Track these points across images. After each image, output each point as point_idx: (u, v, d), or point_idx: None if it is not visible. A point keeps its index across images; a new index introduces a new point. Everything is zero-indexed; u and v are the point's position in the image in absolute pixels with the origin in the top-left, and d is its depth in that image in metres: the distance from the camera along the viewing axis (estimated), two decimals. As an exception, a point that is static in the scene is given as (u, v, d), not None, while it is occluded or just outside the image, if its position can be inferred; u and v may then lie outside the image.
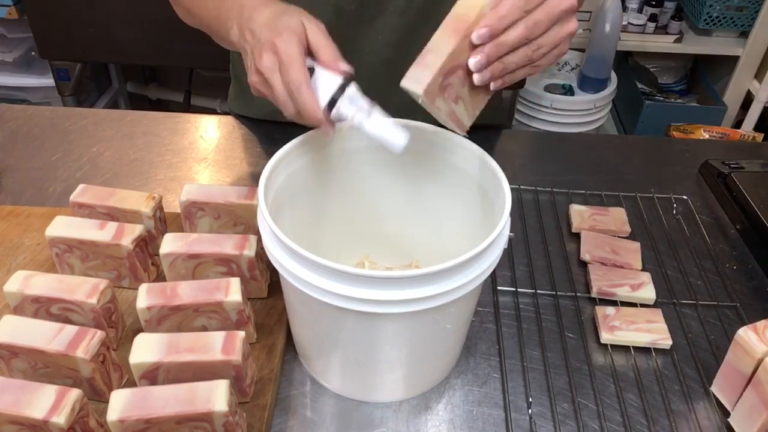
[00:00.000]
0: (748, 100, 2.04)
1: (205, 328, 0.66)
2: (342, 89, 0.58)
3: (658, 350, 0.72)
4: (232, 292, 0.64)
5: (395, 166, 0.71)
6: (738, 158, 0.99)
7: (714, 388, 0.68)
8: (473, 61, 0.57)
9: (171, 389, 0.55)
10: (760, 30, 1.93)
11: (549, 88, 1.96)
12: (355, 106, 0.58)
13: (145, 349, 0.58)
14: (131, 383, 0.62)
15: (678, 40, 2.01)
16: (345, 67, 0.58)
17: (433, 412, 0.66)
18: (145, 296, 0.63)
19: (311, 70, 0.58)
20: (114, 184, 0.93)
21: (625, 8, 2.00)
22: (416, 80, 0.55)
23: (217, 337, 0.59)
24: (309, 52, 0.59)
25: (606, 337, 0.72)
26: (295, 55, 0.57)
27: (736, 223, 0.91)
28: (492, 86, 0.59)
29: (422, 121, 0.67)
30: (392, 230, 0.76)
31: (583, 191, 0.95)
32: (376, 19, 0.84)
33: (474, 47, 0.56)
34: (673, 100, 2.15)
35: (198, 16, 0.76)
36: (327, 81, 0.58)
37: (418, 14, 0.83)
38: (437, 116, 0.59)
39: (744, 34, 2.00)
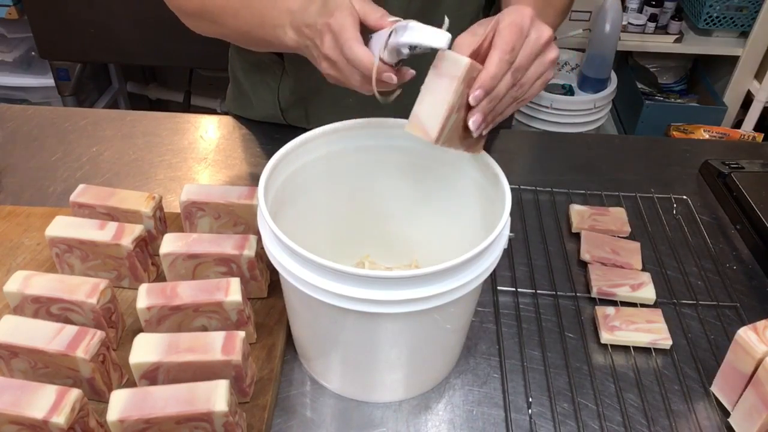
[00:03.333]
0: (748, 100, 2.04)
1: (205, 328, 0.66)
2: (390, 36, 0.57)
3: (658, 350, 0.72)
4: (232, 292, 0.64)
5: (395, 166, 0.71)
6: (738, 158, 0.99)
7: (714, 388, 0.68)
8: (472, 122, 0.58)
9: (171, 389, 0.55)
10: (760, 30, 1.93)
11: (549, 88, 1.95)
12: (399, 31, 0.57)
13: (145, 349, 0.58)
14: (131, 383, 0.62)
15: (678, 40, 2.01)
16: (391, 19, 0.58)
17: (433, 412, 0.66)
18: (145, 296, 0.63)
19: (369, 41, 0.59)
20: (114, 184, 0.93)
21: (625, 8, 2.00)
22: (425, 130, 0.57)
23: (217, 337, 0.59)
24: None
25: (606, 337, 0.72)
26: (346, 23, 0.58)
27: (736, 223, 0.91)
28: (484, 132, 0.60)
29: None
30: (392, 230, 0.76)
31: (583, 191, 0.95)
32: None
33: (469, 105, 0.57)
34: (673, 100, 2.15)
35: (227, 27, 0.77)
36: (379, 39, 0.58)
37: (417, 16, 0.83)
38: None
39: (744, 34, 2.00)
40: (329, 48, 0.60)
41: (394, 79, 0.58)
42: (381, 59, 0.57)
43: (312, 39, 0.63)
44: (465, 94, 0.56)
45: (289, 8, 0.67)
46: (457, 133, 0.59)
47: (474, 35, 0.58)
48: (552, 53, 0.59)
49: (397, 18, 0.58)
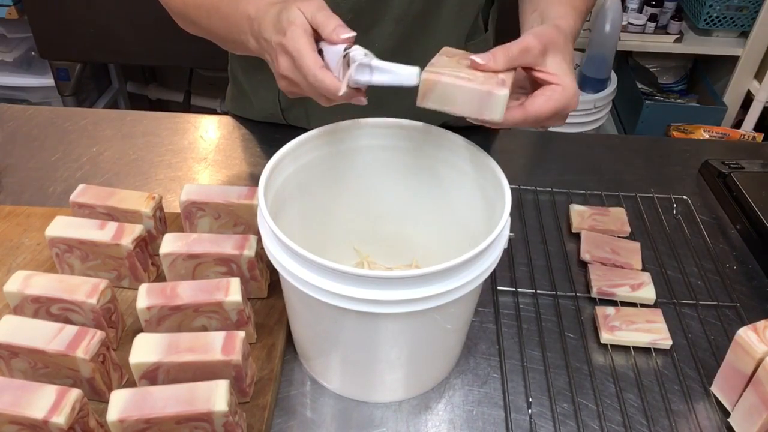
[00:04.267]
0: (748, 100, 2.04)
1: (205, 328, 0.66)
2: (346, 58, 0.57)
3: (658, 350, 0.72)
4: (232, 292, 0.64)
5: (395, 166, 0.71)
6: (738, 158, 0.99)
7: (714, 388, 0.68)
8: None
9: (171, 389, 0.55)
10: (760, 30, 1.93)
11: (549, 88, 1.95)
12: (363, 69, 0.57)
13: (145, 349, 0.58)
14: (131, 383, 0.62)
15: (678, 40, 2.01)
16: (344, 35, 0.58)
17: (433, 412, 0.66)
18: (145, 296, 0.63)
19: (322, 52, 0.59)
20: (114, 184, 0.93)
21: (625, 8, 2.00)
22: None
23: (217, 337, 0.59)
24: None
25: (606, 337, 0.72)
26: (301, 47, 0.58)
27: (736, 223, 0.91)
28: None
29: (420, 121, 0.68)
30: (392, 230, 0.76)
31: (583, 191, 0.95)
32: (373, 28, 0.84)
33: None
34: (673, 100, 2.15)
35: (204, 28, 0.77)
36: (334, 56, 0.58)
37: (414, 21, 0.83)
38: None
39: (744, 34, 2.00)
40: (287, 69, 0.60)
41: (364, 101, 0.59)
42: (348, 85, 0.57)
43: (270, 53, 0.62)
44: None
45: (248, 15, 0.66)
46: None
47: (542, 57, 0.59)
48: (539, 129, 0.62)
49: (350, 33, 0.58)
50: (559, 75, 0.58)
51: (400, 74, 0.56)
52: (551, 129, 1.88)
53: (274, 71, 0.63)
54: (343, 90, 0.57)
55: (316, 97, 0.60)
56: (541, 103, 0.58)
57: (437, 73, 0.56)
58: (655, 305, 0.77)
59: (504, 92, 0.55)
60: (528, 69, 0.59)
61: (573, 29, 0.67)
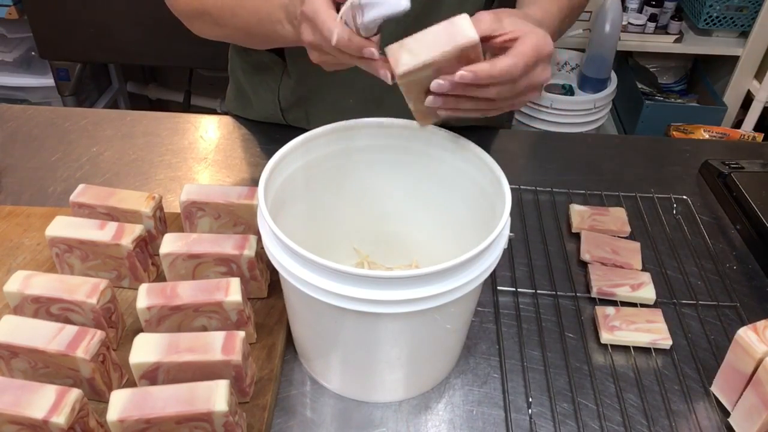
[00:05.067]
0: (748, 100, 2.04)
1: (205, 328, 0.66)
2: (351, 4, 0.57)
3: (658, 350, 0.72)
4: (232, 292, 0.64)
5: (395, 166, 0.71)
6: (738, 158, 0.99)
7: (714, 388, 0.68)
8: (435, 84, 0.57)
9: (171, 389, 0.55)
10: (760, 30, 1.93)
11: (549, 88, 1.95)
12: (357, 11, 0.56)
13: (145, 349, 0.58)
14: (131, 383, 0.62)
15: (678, 40, 2.01)
16: None
17: (433, 412, 0.66)
18: (145, 296, 0.63)
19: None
20: (114, 184, 0.93)
21: (625, 8, 2.00)
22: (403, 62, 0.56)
23: (217, 337, 0.59)
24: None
25: (606, 337, 0.72)
26: (318, 6, 0.58)
27: (736, 223, 0.91)
28: (439, 112, 0.61)
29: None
30: (392, 230, 0.76)
31: (583, 191, 0.95)
32: None
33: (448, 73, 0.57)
34: (673, 100, 2.15)
35: (228, 26, 0.77)
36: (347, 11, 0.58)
37: (415, 21, 0.83)
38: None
39: (744, 34, 2.00)
40: (309, 35, 0.60)
41: (375, 54, 0.58)
42: (359, 34, 0.57)
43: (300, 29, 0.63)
44: (452, 63, 0.56)
45: (281, 2, 0.67)
46: (418, 89, 0.59)
47: (498, 22, 0.57)
48: (534, 94, 0.60)
49: None
50: (519, 28, 0.57)
51: (387, 3, 0.55)
52: (551, 129, 1.89)
53: (306, 47, 0.62)
54: (337, 34, 0.56)
55: (340, 56, 0.59)
56: (518, 48, 0.56)
57: (397, 41, 0.56)
58: (655, 305, 0.77)
59: (463, 14, 0.55)
60: (487, 40, 0.58)
61: (545, 16, 0.67)
